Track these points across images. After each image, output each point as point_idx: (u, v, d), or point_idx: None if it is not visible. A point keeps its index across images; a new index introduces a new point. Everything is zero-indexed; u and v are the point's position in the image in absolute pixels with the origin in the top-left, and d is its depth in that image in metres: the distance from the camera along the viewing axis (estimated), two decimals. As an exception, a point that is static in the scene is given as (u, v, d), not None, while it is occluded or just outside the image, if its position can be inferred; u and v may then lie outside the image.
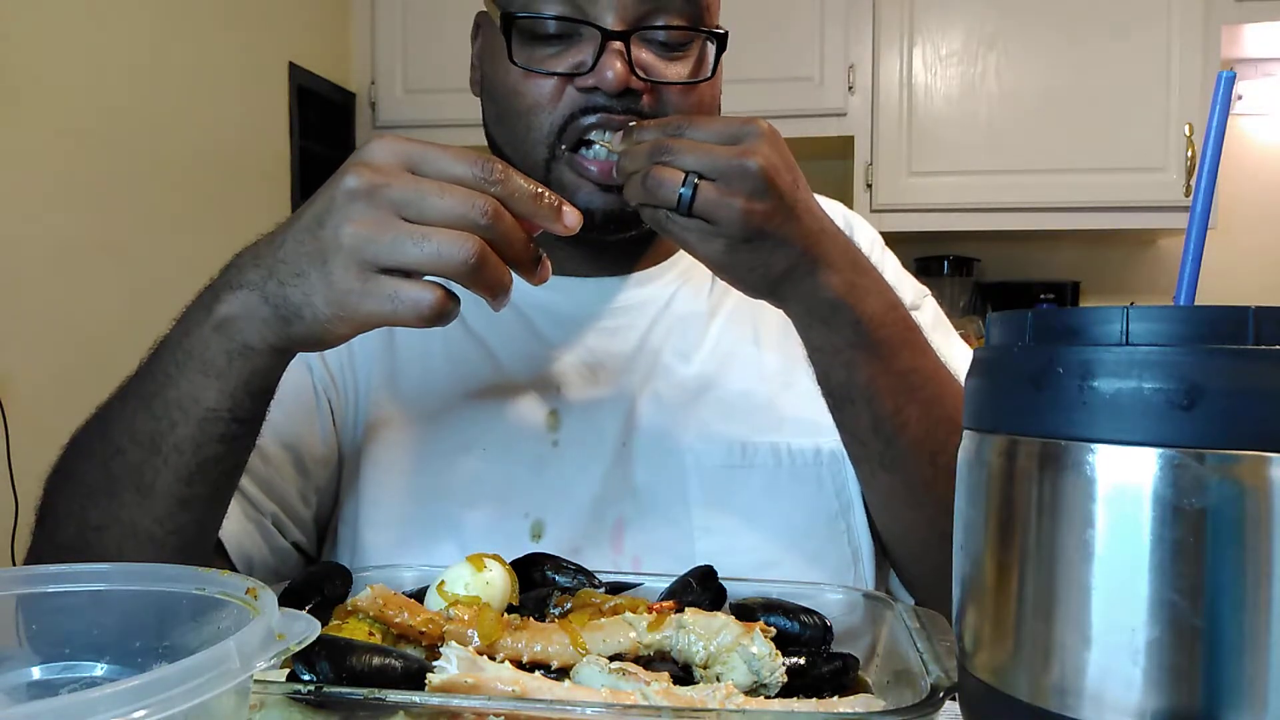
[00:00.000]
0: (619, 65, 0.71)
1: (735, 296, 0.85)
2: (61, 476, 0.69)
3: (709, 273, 0.87)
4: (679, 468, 0.81)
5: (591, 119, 0.74)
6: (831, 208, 0.92)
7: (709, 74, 0.77)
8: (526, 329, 0.85)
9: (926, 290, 0.95)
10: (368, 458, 0.82)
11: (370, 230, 0.56)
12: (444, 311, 0.57)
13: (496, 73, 0.78)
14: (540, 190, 0.59)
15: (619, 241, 0.82)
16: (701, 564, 0.66)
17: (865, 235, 0.94)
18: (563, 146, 0.75)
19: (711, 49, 0.78)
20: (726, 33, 0.77)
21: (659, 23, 0.74)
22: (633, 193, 0.66)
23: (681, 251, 0.89)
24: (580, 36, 0.74)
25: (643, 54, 0.74)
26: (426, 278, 0.57)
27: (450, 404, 0.83)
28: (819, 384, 0.74)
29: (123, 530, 0.64)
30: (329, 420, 0.83)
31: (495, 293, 0.59)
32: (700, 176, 0.63)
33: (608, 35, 0.72)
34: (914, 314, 0.75)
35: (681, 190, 0.63)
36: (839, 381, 0.72)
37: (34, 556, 0.69)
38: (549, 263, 0.62)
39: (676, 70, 0.76)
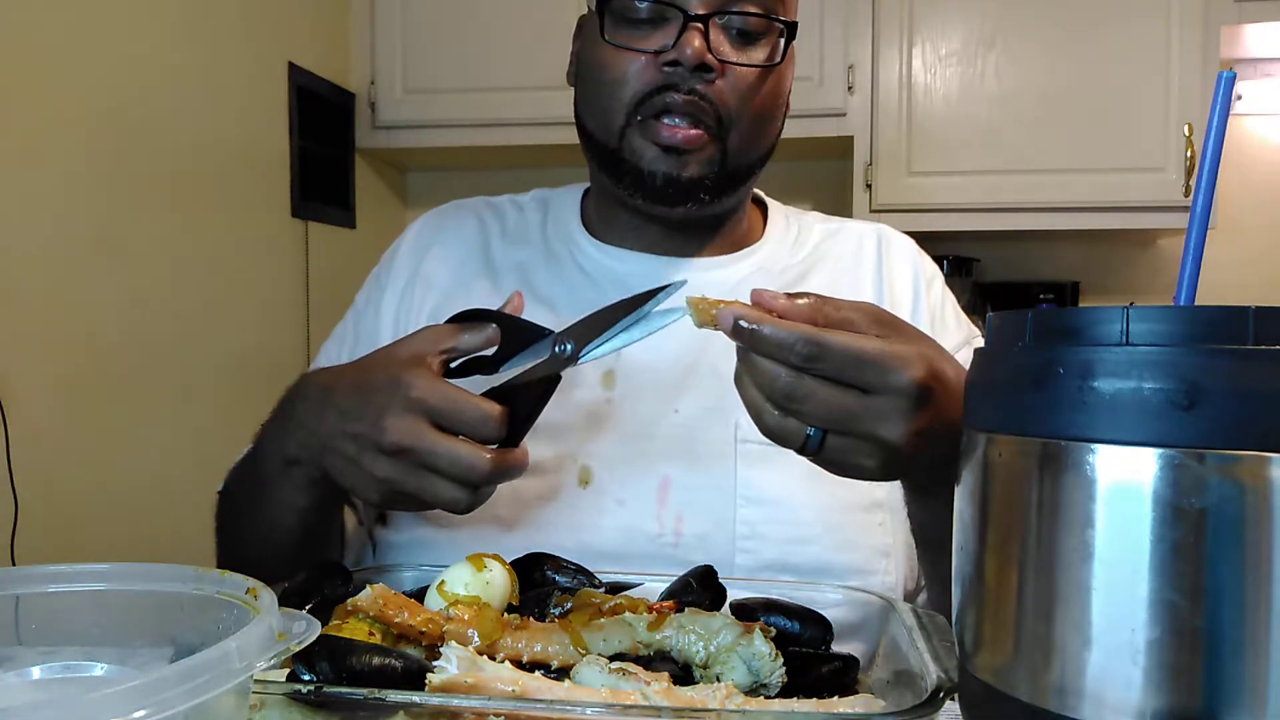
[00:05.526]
0: (697, 42, 0.80)
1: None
2: (224, 499, 0.87)
3: (787, 272, 0.92)
4: (728, 438, 0.83)
5: (671, 96, 0.81)
6: (902, 243, 0.96)
7: (779, 59, 0.84)
8: (597, 295, 0.87)
9: (977, 331, 0.94)
10: None
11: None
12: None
13: (590, 53, 0.87)
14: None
15: (692, 221, 0.88)
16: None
17: (927, 270, 0.96)
18: (638, 117, 0.82)
19: (783, 43, 0.84)
20: (795, 23, 0.85)
21: (735, 9, 0.82)
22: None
23: (759, 243, 0.95)
24: (666, 21, 0.82)
25: (720, 38, 0.82)
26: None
27: None
28: (913, 532, 0.76)
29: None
30: None
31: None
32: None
33: (689, 18, 0.80)
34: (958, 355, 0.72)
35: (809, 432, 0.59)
36: (934, 535, 0.72)
37: (222, 550, 0.87)
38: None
39: (749, 58, 0.83)
